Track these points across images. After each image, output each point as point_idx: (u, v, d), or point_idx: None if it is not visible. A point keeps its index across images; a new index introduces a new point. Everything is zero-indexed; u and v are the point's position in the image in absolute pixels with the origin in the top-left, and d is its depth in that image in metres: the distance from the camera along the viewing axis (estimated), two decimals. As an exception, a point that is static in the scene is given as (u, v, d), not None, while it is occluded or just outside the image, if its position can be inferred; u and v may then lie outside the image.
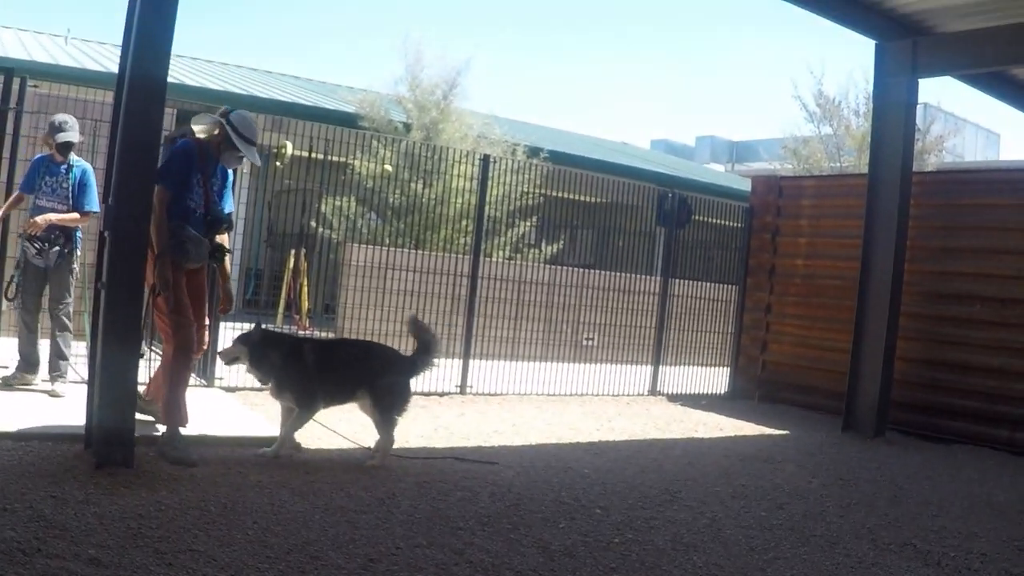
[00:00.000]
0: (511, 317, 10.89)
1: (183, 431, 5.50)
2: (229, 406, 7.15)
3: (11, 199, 7.06)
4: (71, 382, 6.80)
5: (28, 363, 6.82)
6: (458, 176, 11.15)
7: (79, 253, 6.98)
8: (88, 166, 6.97)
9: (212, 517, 4.27)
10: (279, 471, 5.33)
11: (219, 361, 6.71)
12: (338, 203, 12.54)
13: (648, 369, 11.09)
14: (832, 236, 10.58)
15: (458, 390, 9.30)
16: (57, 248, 6.74)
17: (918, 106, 10.04)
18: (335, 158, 10.16)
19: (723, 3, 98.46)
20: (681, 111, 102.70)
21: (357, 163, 11.85)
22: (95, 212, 6.77)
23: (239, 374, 6.88)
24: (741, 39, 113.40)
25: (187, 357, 5.59)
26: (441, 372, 8.87)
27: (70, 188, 6.81)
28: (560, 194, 13.38)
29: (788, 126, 22.36)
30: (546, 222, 14.44)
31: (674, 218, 11.15)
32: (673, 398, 10.75)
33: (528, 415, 8.54)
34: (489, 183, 10.07)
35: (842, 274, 10.06)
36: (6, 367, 7.01)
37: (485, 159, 9.93)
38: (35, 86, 8.67)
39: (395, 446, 5.95)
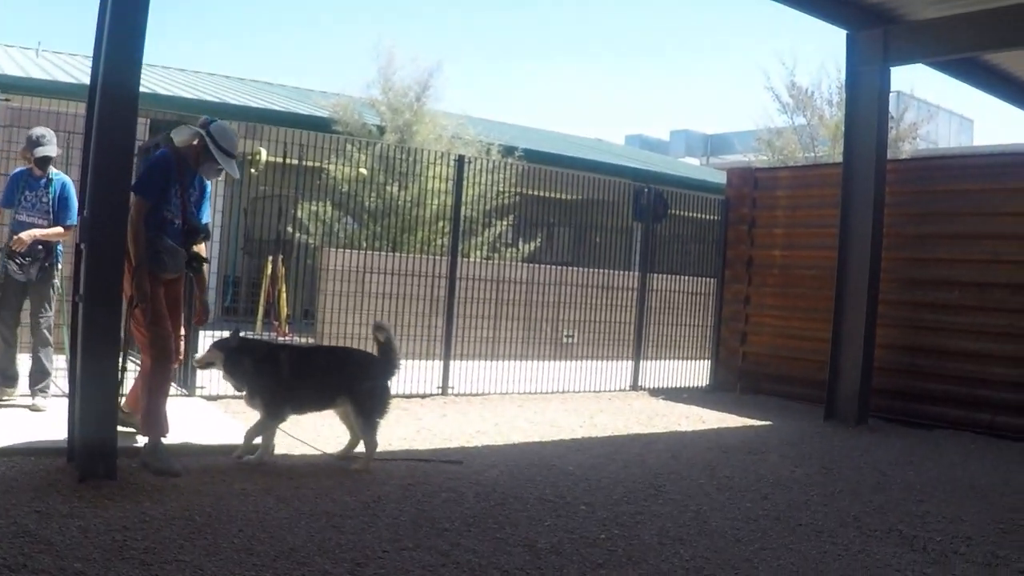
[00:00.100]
0: (491, 317, 10.88)
1: (165, 441, 5.47)
2: (211, 415, 7.12)
3: None
4: (52, 396, 6.76)
5: (6, 377, 6.77)
6: (433, 177, 11.14)
7: (60, 267, 6.94)
8: (68, 179, 6.89)
9: (197, 526, 4.25)
10: (263, 478, 5.31)
11: (199, 371, 6.68)
12: (314, 208, 12.49)
13: (629, 364, 11.11)
14: (808, 226, 10.64)
15: (440, 391, 9.29)
16: (39, 262, 6.71)
17: (891, 94, 10.10)
18: (310, 163, 10.13)
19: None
20: (655, 106, 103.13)
21: (332, 167, 11.82)
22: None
23: (220, 383, 6.86)
24: (712, 32, 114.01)
25: (166, 368, 5.55)
26: (422, 373, 8.90)
27: (50, 202, 6.76)
28: (536, 192, 13.37)
29: (762, 118, 22.31)
30: (523, 221, 14.43)
31: (650, 213, 11.20)
32: (655, 392, 10.78)
33: (510, 414, 8.55)
34: (465, 183, 10.07)
35: (819, 263, 10.10)
36: None
37: (460, 160, 9.93)
38: (7, 100, 8.61)
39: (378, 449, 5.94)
